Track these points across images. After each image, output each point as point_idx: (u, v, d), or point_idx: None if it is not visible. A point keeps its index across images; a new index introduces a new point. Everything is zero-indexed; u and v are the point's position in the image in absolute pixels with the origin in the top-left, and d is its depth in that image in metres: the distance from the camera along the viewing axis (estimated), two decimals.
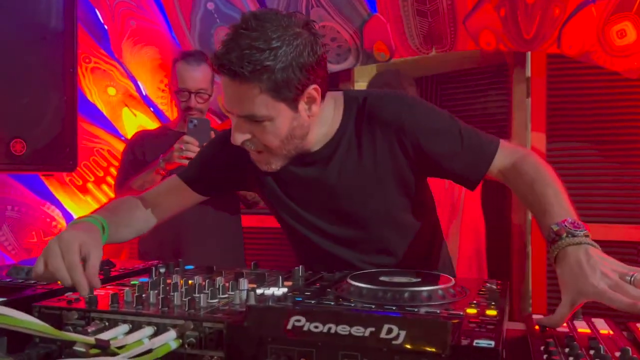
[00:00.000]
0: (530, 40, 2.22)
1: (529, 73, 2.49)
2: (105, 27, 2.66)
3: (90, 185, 2.78)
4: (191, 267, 1.29)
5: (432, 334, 0.65)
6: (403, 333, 0.66)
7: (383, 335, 0.66)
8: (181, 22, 2.57)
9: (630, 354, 0.77)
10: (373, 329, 0.67)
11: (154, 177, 1.97)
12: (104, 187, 2.79)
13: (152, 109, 2.74)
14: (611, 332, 0.91)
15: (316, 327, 0.70)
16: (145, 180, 1.98)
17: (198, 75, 2.08)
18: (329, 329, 0.69)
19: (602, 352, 0.78)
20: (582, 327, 0.94)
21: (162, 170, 1.96)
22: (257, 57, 1.04)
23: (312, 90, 1.13)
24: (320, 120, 1.22)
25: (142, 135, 2.28)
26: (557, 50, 2.21)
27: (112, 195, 2.81)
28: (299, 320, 0.70)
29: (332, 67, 2.48)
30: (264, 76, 1.06)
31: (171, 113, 2.75)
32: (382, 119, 1.23)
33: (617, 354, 0.78)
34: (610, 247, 2.26)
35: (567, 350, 0.81)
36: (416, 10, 2.32)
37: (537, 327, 0.93)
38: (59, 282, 0.99)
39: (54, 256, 0.98)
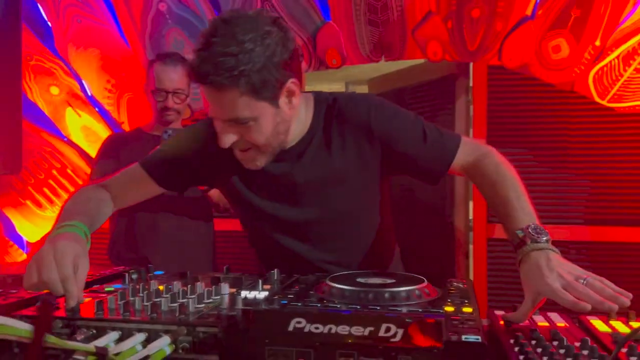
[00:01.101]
0: (473, 52, 2.35)
1: (471, 83, 2.63)
2: (49, 24, 2.56)
3: (30, 189, 2.66)
4: (161, 272, 1.29)
5: (427, 331, 0.70)
6: (401, 331, 0.71)
7: (382, 333, 0.71)
8: (131, 22, 2.51)
9: (589, 343, 0.86)
10: (372, 328, 0.72)
11: None
12: (45, 189, 2.68)
13: (97, 109, 2.66)
14: (567, 325, 1.01)
15: (317, 328, 0.73)
16: None
17: (175, 75, 2.07)
18: (330, 329, 0.73)
19: (565, 342, 0.87)
20: (542, 321, 1.03)
21: None
22: (232, 64, 1.07)
23: (291, 84, 1.17)
24: (295, 117, 1.26)
25: (115, 139, 2.21)
26: (498, 62, 2.35)
27: (53, 198, 2.71)
28: (299, 322, 0.74)
29: None
30: (241, 80, 1.08)
31: (117, 114, 2.68)
32: (351, 119, 1.28)
33: (577, 344, 0.87)
34: None
35: (533, 342, 0.89)
36: (368, 20, 2.39)
37: (502, 322, 1.01)
38: (49, 291, 0.97)
39: (48, 267, 0.96)
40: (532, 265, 1.02)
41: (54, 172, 2.69)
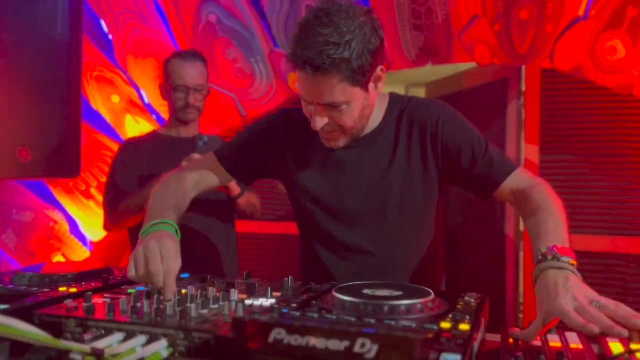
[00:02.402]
0: (523, 55, 2.27)
1: (523, 87, 2.54)
2: (110, 36, 2.72)
3: (92, 190, 2.83)
4: (186, 275, 1.34)
5: (401, 348, 0.70)
6: (375, 347, 0.71)
7: (357, 349, 0.71)
8: (183, 33, 2.63)
9: None
10: (348, 343, 0.72)
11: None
12: None
13: (154, 116, 2.80)
14: (580, 347, 0.96)
15: (295, 339, 0.75)
16: (142, 199, 1.79)
17: (195, 71, 2.05)
18: (307, 342, 0.74)
19: None
20: (554, 341, 0.99)
21: None
22: (334, 51, 1.15)
23: (379, 70, 1.26)
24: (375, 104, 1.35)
25: (131, 143, 2.18)
26: (550, 65, 2.25)
27: None
28: (279, 333, 0.76)
29: None
30: (342, 67, 1.17)
31: None
32: (421, 122, 1.36)
33: None
34: (598, 259, 2.32)
35: None
36: (412, 25, 2.37)
37: (510, 340, 0.98)
38: (149, 284, 1.10)
39: (155, 259, 1.09)
40: (548, 283, 0.99)
41: None
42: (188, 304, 0.99)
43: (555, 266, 1.02)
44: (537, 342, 0.98)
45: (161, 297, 1.06)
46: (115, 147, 2.83)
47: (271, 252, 2.97)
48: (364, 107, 1.28)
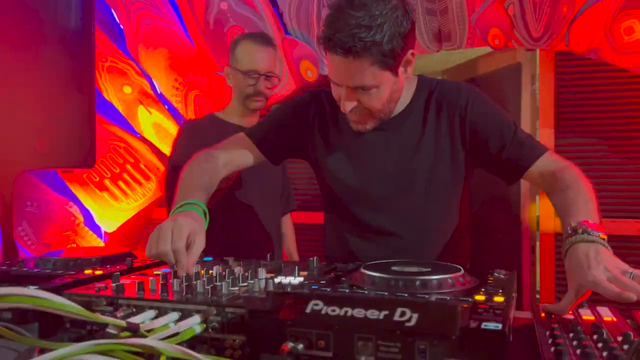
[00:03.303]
0: (538, 38, 2.25)
1: (537, 70, 2.52)
2: (121, 26, 2.72)
3: (106, 182, 2.84)
4: (210, 258, 1.34)
5: (442, 316, 0.69)
6: (415, 316, 0.70)
7: (397, 317, 0.71)
8: (195, 22, 2.62)
9: (632, 337, 0.81)
10: (387, 312, 0.71)
11: None
12: (120, 183, 2.86)
13: (166, 106, 2.80)
14: (614, 319, 0.95)
15: (333, 310, 0.74)
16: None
17: (267, 56, 1.93)
18: (346, 312, 0.73)
19: (604, 336, 0.82)
20: (587, 315, 0.98)
21: None
22: (366, 34, 1.15)
23: (410, 55, 1.26)
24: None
25: (191, 127, 2.08)
26: (565, 48, 2.23)
27: (128, 191, 2.88)
28: (317, 304, 0.75)
29: None
30: (373, 50, 1.17)
31: (185, 111, 2.80)
32: (450, 104, 1.35)
33: (619, 338, 0.82)
34: (618, 242, 2.30)
35: (571, 335, 0.85)
36: (425, 9, 2.35)
37: (543, 314, 0.97)
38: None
39: (165, 239, 1.08)
40: (579, 255, 0.98)
41: (128, 166, 2.85)
42: (218, 282, 0.99)
43: (586, 239, 1.01)
44: (570, 316, 0.98)
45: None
46: (128, 138, 2.83)
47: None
48: (393, 91, 1.28)
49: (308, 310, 0.75)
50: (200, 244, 1.11)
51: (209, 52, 2.67)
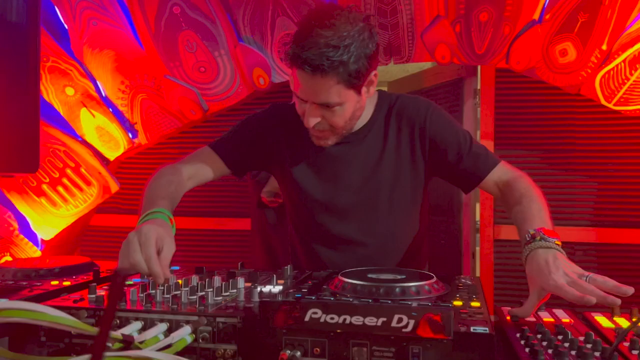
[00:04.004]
0: (481, 55, 2.39)
1: (479, 85, 2.67)
2: (66, 26, 2.61)
3: (45, 187, 2.71)
4: (176, 267, 1.33)
5: (437, 323, 0.74)
6: (412, 322, 0.74)
7: (394, 324, 0.75)
8: (145, 25, 2.56)
9: (593, 337, 0.90)
10: (385, 319, 0.75)
11: None
12: (60, 188, 2.74)
13: (111, 109, 2.71)
14: (572, 321, 1.04)
15: (332, 318, 0.77)
16: None
17: None
18: (344, 320, 0.77)
19: (569, 336, 0.90)
20: (547, 317, 1.07)
21: None
22: (334, 54, 1.18)
23: (373, 76, 1.30)
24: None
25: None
26: (506, 65, 2.38)
27: (67, 197, 2.76)
28: (316, 313, 0.78)
29: None
30: (340, 69, 1.20)
31: (131, 115, 2.73)
32: (410, 116, 1.40)
33: (581, 338, 0.90)
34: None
35: (539, 336, 0.93)
36: (378, 23, 2.43)
37: (508, 317, 1.05)
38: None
39: (134, 250, 1.05)
40: (539, 261, 1.06)
41: (68, 171, 2.74)
42: (200, 292, 0.99)
43: (543, 246, 1.10)
44: (532, 318, 1.06)
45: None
46: (69, 142, 2.72)
47: (225, 246, 2.95)
48: (356, 109, 1.32)
49: (307, 318, 0.78)
50: (169, 247, 1.09)
51: (159, 56, 2.62)
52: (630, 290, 0.97)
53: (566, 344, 0.88)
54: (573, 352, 0.84)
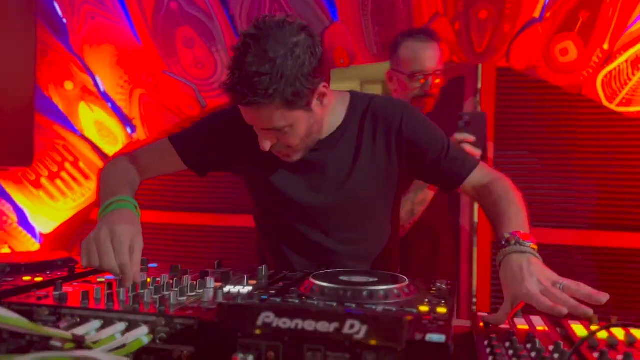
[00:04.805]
0: (481, 54, 2.35)
1: (479, 85, 2.63)
2: (64, 20, 2.62)
3: (43, 180, 2.73)
4: (155, 265, 1.32)
5: (389, 329, 0.72)
6: (364, 328, 0.72)
7: (346, 330, 0.73)
8: (143, 20, 2.56)
9: (562, 347, 0.87)
10: (337, 325, 0.73)
11: (427, 194, 1.76)
12: (58, 182, 2.75)
13: (110, 105, 2.72)
14: (546, 329, 1.02)
15: (284, 323, 0.75)
16: (418, 198, 1.75)
17: (434, 53, 1.79)
18: (297, 324, 0.75)
19: (537, 345, 0.88)
20: (522, 324, 1.04)
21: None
22: (266, 83, 1.11)
23: (322, 88, 1.23)
24: (330, 110, 1.33)
25: None
26: (506, 64, 2.34)
27: (66, 191, 2.78)
28: (268, 317, 0.76)
29: None
30: (276, 98, 1.14)
31: (129, 110, 2.73)
32: (385, 120, 1.35)
33: (551, 347, 0.88)
34: (551, 251, 2.43)
35: (507, 344, 0.90)
36: (375, 20, 2.40)
37: (482, 324, 1.02)
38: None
39: (108, 256, 1.05)
40: (513, 267, 1.04)
41: (67, 165, 2.75)
42: (166, 292, 0.98)
43: (518, 250, 1.07)
44: (506, 326, 1.03)
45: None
46: (68, 136, 2.73)
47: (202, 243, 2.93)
48: (311, 125, 1.26)
49: (259, 322, 0.76)
50: (139, 247, 1.08)
51: (157, 51, 2.62)
52: (604, 297, 0.94)
53: (533, 354, 0.86)
54: None
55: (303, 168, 1.37)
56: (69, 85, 2.67)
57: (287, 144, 1.26)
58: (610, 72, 2.15)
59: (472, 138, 1.61)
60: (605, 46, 2.12)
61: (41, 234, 2.79)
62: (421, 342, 0.73)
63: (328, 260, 1.39)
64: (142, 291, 0.96)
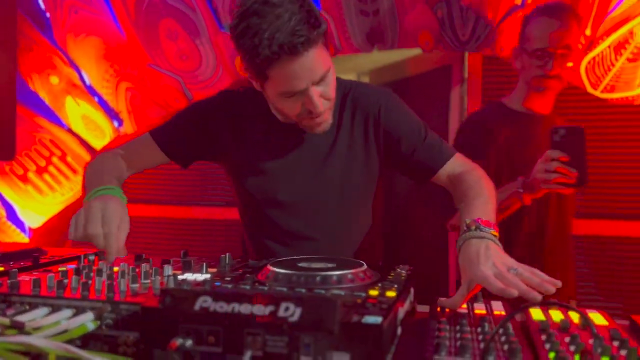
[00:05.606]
0: (465, 42, 2.32)
1: (466, 73, 2.61)
2: (47, 14, 2.62)
3: (31, 175, 2.74)
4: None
5: (323, 311, 0.71)
6: (298, 310, 0.72)
7: (281, 313, 0.73)
8: (126, 12, 2.56)
9: (511, 329, 0.86)
10: (272, 308, 0.73)
11: (508, 205, 1.60)
12: (46, 176, 2.76)
13: (96, 98, 2.72)
14: (503, 313, 1.01)
15: (221, 306, 0.75)
16: (504, 203, 1.58)
17: (561, 30, 1.65)
18: (233, 308, 0.74)
19: (486, 328, 0.87)
20: (480, 309, 1.04)
21: (524, 200, 1.56)
22: (310, 20, 1.11)
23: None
24: None
25: (476, 116, 1.90)
26: (491, 52, 2.32)
27: (54, 185, 2.79)
28: (205, 301, 0.76)
29: None
30: (321, 32, 1.14)
31: (116, 103, 2.73)
32: (364, 107, 1.36)
33: (502, 330, 0.87)
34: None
35: (457, 327, 0.90)
36: (359, 10, 2.39)
37: (438, 308, 1.02)
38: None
39: (95, 222, 1.06)
40: (470, 251, 1.04)
41: (55, 159, 2.76)
42: (119, 279, 0.98)
43: (477, 236, 1.07)
44: (464, 310, 1.02)
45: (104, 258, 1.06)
46: (55, 130, 2.74)
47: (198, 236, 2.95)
48: (334, 72, 1.26)
49: (197, 307, 0.76)
50: (126, 229, 1.10)
51: (141, 44, 2.61)
52: (552, 288, 0.94)
53: (481, 337, 0.85)
54: (482, 345, 0.81)
55: (280, 154, 1.37)
56: (54, 80, 2.67)
57: (328, 97, 1.23)
58: (593, 59, 2.13)
59: (566, 156, 1.43)
60: (588, 32, 2.10)
61: (30, 229, 2.80)
62: (357, 324, 0.73)
63: (306, 249, 1.38)
64: (93, 279, 0.96)
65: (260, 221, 1.43)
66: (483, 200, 1.20)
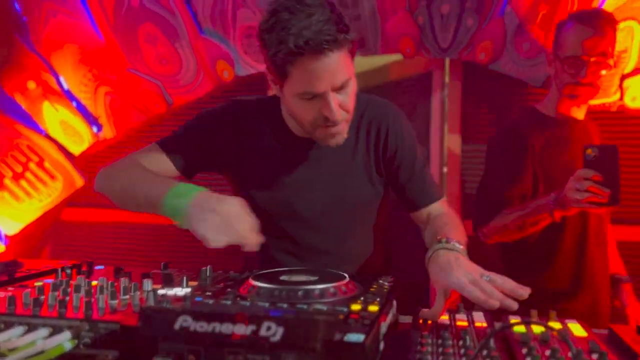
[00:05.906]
0: (446, 48, 2.34)
1: (447, 79, 2.62)
2: (25, 19, 2.57)
3: (7, 181, 2.68)
4: (101, 267, 1.30)
5: (305, 331, 0.71)
6: (280, 330, 0.71)
7: (263, 333, 0.72)
8: (104, 17, 2.52)
9: (492, 343, 0.87)
10: (254, 327, 0.72)
11: (538, 220, 1.61)
12: (23, 182, 2.71)
13: (74, 103, 2.68)
14: (484, 325, 1.02)
15: (202, 326, 0.74)
16: (526, 222, 1.62)
17: (596, 38, 1.61)
18: (214, 328, 0.74)
19: (467, 342, 0.88)
20: (462, 320, 1.04)
21: (554, 216, 1.56)
22: (339, 22, 1.09)
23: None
24: None
25: (514, 124, 1.84)
26: (471, 58, 2.33)
27: (31, 191, 2.73)
28: (186, 320, 0.75)
29: (259, 68, 2.51)
30: (347, 36, 1.11)
31: (94, 108, 2.69)
32: (369, 119, 1.35)
33: (482, 342, 0.87)
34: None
35: (439, 341, 0.90)
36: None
37: (420, 320, 1.02)
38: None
39: (243, 219, 1.07)
40: (441, 261, 1.06)
41: (32, 165, 2.71)
42: (97, 295, 0.96)
43: (446, 247, 1.10)
44: (446, 321, 1.03)
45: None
46: (32, 136, 2.69)
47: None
48: (355, 84, 1.21)
49: (177, 326, 0.75)
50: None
51: (120, 48, 2.58)
52: (525, 293, 0.96)
53: (462, 350, 0.86)
54: (464, 359, 0.81)
55: (294, 166, 1.35)
56: (31, 85, 2.62)
57: (348, 109, 1.20)
58: None
59: (599, 175, 1.40)
60: None
61: (6, 236, 2.75)
62: (339, 343, 0.72)
63: (323, 263, 1.36)
64: (74, 294, 0.94)
65: (270, 233, 1.40)
66: (454, 228, 1.23)
